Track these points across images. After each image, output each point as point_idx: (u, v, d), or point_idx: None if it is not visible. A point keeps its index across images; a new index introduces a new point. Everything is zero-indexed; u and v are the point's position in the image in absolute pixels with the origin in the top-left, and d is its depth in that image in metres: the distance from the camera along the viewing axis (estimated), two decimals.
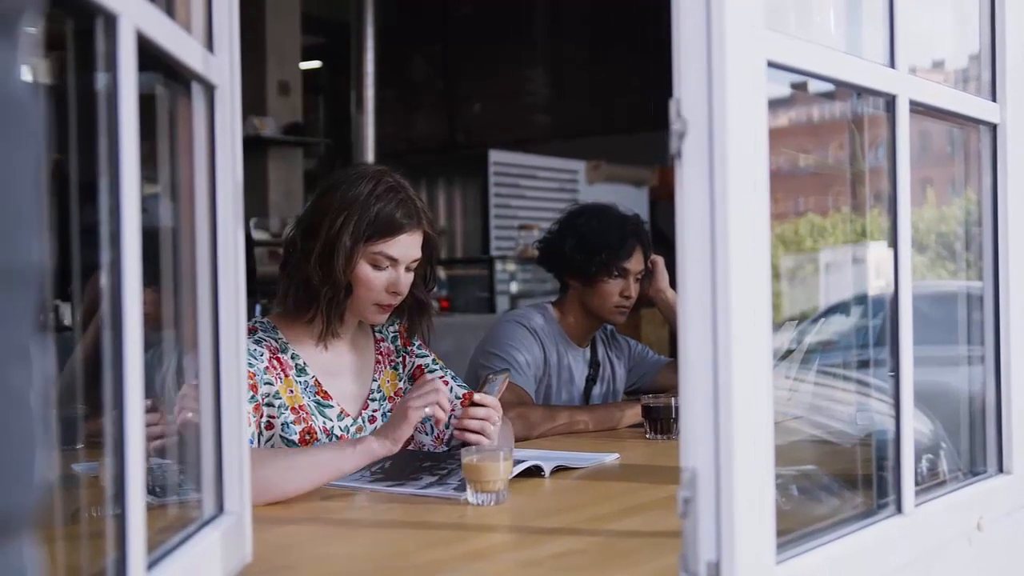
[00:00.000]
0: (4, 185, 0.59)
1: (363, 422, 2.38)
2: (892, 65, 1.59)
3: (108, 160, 1.05)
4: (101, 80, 1.06)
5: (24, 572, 0.62)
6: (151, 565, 1.14)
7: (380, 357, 2.47)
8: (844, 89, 1.67)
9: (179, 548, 1.26)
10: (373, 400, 2.42)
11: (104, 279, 1.06)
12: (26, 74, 0.62)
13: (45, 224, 0.63)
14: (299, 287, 2.29)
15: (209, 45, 1.40)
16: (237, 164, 1.45)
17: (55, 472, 1.33)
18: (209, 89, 1.40)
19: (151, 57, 1.16)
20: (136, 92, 1.07)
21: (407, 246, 2.30)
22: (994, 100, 1.90)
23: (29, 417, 0.62)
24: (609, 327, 3.32)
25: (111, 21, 1.03)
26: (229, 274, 1.43)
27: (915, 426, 1.64)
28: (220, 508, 1.43)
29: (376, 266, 2.28)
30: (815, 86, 1.64)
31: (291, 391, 2.27)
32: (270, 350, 2.27)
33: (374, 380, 2.44)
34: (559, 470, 2.28)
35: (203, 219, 1.41)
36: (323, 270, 2.25)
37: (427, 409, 2.06)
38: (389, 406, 2.43)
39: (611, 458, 2.45)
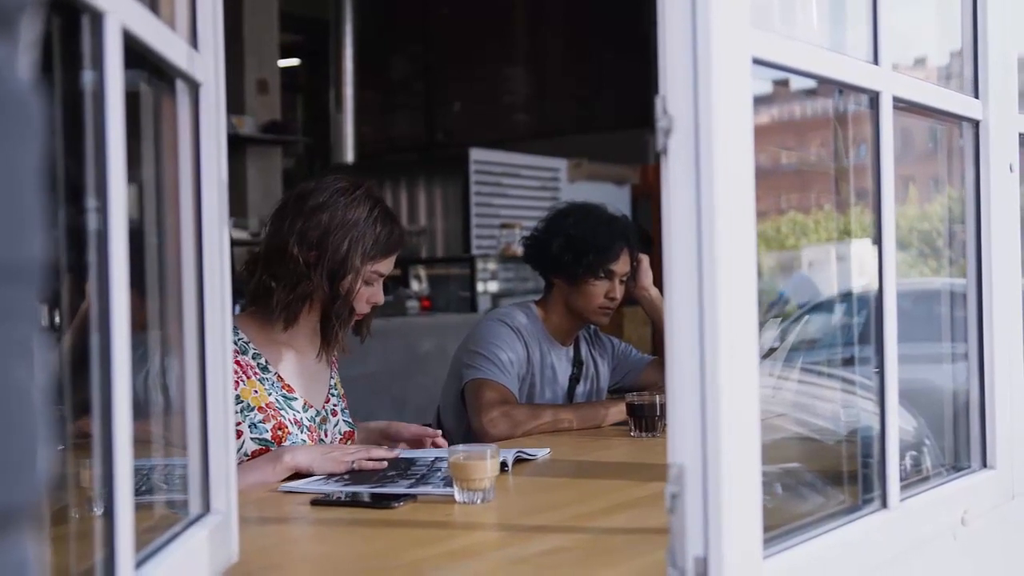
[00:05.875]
0: (7, 182, 0.59)
1: (327, 413, 2.51)
2: (875, 62, 1.60)
3: (95, 159, 1.04)
4: (87, 78, 1.05)
5: (26, 566, 0.62)
6: (138, 564, 1.13)
7: (333, 359, 2.61)
8: (826, 86, 1.68)
9: (166, 547, 1.25)
10: (333, 395, 2.56)
11: (90, 280, 1.05)
12: (26, 72, 0.62)
13: (45, 221, 0.64)
14: (300, 300, 2.38)
15: (194, 42, 1.40)
16: (222, 162, 1.44)
17: (56, 467, 1.32)
18: (194, 87, 1.40)
19: (135, 54, 1.15)
20: (122, 90, 1.06)
21: (393, 262, 2.48)
22: (976, 96, 1.91)
23: (32, 412, 0.62)
24: (593, 326, 3.32)
25: (97, 18, 1.03)
26: (215, 274, 1.42)
27: (899, 423, 1.65)
28: (207, 507, 1.42)
29: (367, 283, 2.42)
30: (797, 83, 1.64)
31: (255, 391, 2.36)
32: None
33: (332, 378, 2.58)
34: (519, 461, 2.35)
35: (188, 218, 1.40)
36: (331, 289, 2.37)
37: (354, 465, 2.22)
38: (344, 403, 2.59)
39: (543, 453, 2.49)
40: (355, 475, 2.18)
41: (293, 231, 2.36)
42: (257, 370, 2.38)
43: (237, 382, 2.30)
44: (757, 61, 1.30)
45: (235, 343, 2.36)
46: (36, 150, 0.61)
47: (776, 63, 1.38)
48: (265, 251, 2.41)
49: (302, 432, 2.38)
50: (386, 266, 2.44)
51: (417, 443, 2.54)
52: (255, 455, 2.28)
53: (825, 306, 2.33)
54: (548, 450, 2.51)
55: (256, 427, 2.32)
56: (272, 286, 2.36)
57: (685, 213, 1.22)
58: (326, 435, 2.48)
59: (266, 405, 2.35)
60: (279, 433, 2.34)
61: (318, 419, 2.46)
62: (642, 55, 9.33)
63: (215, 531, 1.40)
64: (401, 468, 2.23)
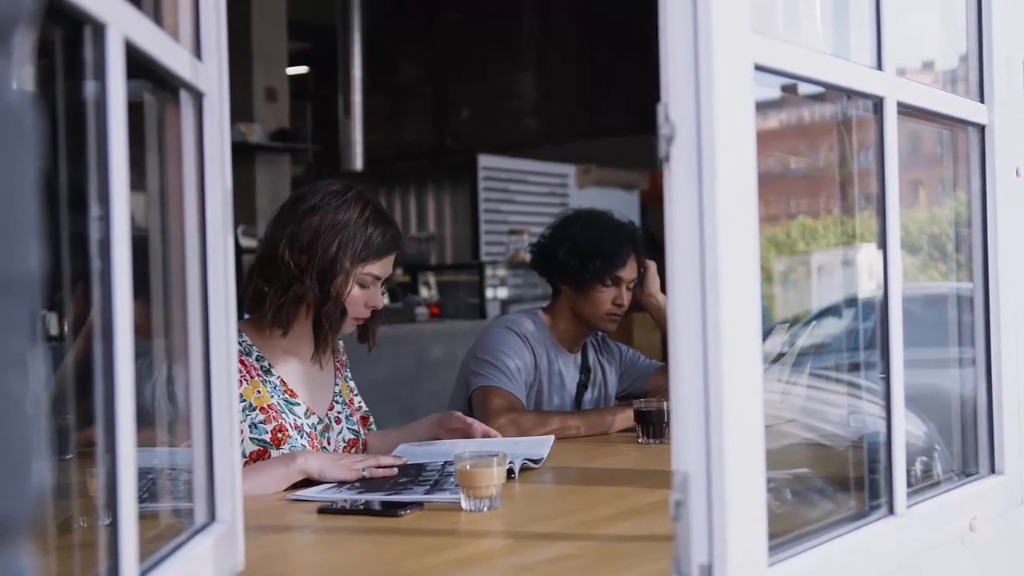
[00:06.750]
0: (2, 195, 0.59)
1: (330, 421, 2.50)
2: (879, 67, 1.60)
3: (97, 168, 1.04)
4: (89, 88, 1.06)
5: None
6: (143, 573, 1.13)
7: (338, 365, 2.61)
8: (834, 91, 1.68)
9: (171, 556, 1.26)
10: (337, 402, 2.55)
11: (94, 288, 1.05)
12: (21, 83, 0.62)
13: (40, 233, 0.64)
14: (293, 303, 2.38)
15: (197, 52, 1.40)
16: (226, 172, 1.45)
17: (52, 479, 1.33)
18: (197, 97, 1.40)
19: (139, 65, 1.16)
20: (125, 100, 1.07)
21: (390, 265, 2.47)
22: (982, 101, 1.91)
23: (26, 424, 0.62)
24: (600, 332, 3.32)
25: (99, 30, 1.03)
26: (219, 283, 1.43)
27: (909, 429, 1.64)
28: (212, 516, 1.42)
29: (362, 285, 2.42)
30: (805, 88, 1.64)
31: (258, 392, 2.37)
32: None
33: (336, 385, 2.57)
34: (526, 469, 2.34)
35: (192, 228, 1.40)
36: (321, 290, 2.37)
37: (365, 472, 2.22)
38: (349, 411, 2.58)
39: (548, 442, 2.53)
40: (367, 483, 2.17)
41: (284, 235, 2.38)
42: (260, 372, 2.39)
43: (240, 381, 2.30)
44: (759, 67, 1.30)
45: (240, 345, 2.36)
46: (32, 162, 0.62)
47: (778, 69, 1.38)
48: (259, 257, 2.43)
49: (302, 437, 2.38)
50: (380, 268, 2.43)
51: (465, 434, 2.58)
52: (253, 456, 2.29)
53: (834, 311, 2.33)
54: (552, 437, 2.56)
55: (256, 427, 2.32)
56: (265, 291, 2.37)
57: (688, 220, 1.22)
58: (329, 443, 2.47)
59: (268, 406, 2.35)
60: (278, 436, 2.34)
61: (320, 427, 2.46)
62: (650, 60, 9.30)
63: (220, 540, 1.40)
64: (412, 475, 2.23)
